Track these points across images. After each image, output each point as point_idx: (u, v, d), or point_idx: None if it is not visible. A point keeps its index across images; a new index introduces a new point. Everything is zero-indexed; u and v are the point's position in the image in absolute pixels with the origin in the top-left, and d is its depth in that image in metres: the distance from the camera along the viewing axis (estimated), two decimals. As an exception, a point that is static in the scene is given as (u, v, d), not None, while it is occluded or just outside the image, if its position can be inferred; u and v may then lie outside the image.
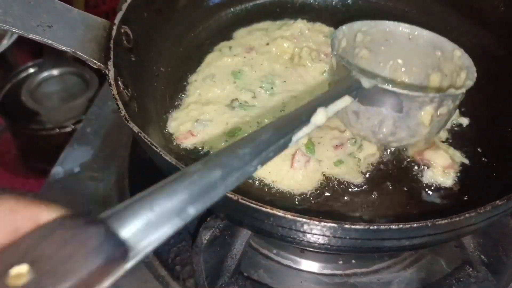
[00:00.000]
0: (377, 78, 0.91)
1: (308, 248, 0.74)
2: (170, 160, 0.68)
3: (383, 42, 0.91)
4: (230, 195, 0.64)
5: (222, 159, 0.45)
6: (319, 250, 0.75)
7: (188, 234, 0.94)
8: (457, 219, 0.63)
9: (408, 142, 0.82)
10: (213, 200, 0.42)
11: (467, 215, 0.64)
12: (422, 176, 0.87)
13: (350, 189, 0.85)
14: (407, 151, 0.89)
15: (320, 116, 0.60)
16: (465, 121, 0.97)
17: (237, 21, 1.16)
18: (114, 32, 0.84)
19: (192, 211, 0.39)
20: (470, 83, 0.79)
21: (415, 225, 0.62)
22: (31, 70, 1.82)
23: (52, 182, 1.06)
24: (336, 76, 0.84)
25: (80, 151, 1.12)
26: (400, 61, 0.92)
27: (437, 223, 0.62)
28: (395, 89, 0.74)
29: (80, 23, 0.83)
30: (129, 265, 0.35)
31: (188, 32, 1.11)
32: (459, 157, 0.90)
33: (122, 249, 0.34)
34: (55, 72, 1.82)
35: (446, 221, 0.63)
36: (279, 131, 0.54)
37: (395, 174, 0.88)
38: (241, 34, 1.11)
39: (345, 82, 0.72)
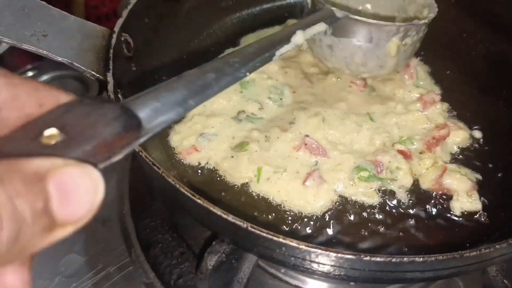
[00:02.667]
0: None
1: (323, 277, 0.69)
2: (173, 183, 0.62)
3: None
4: (239, 223, 0.58)
5: (215, 65, 0.53)
6: (335, 279, 0.70)
7: (192, 254, 0.89)
8: (487, 250, 0.58)
9: (378, 73, 0.88)
10: (209, 96, 0.50)
11: (497, 246, 0.58)
12: (450, 206, 0.81)
13: (365, 211, 0.80)
14: (424, 184, 0.83)
15: (299, 37, 0.69)
16: (478, 134, 0.92)
17: (244, 27, 1.11)
18: (114, 41, 0.79)
19: (192, 103, 0.46)
20: (431, 15, 0.86)
21: (441, 257, 0.57)
22: (30, 74, 1.77)
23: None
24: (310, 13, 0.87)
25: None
26: (368, 5, 0.97)
27: (465, 255, 0.57)
28: (365, 19, 0.80)
29: (77, 32, 0.78)
30: (143, 139, 0.40)
31: (191, 38, 1.06)
32: (474, 175, 0.85)
33: (136, 121, 0.39)
34: (54, 75, 1.77)
35: (475, 253, 0.57)
36: (264, 47, 0.62)
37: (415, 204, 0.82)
38: (248, 40, 1.06)
39: (320, 12, 0.80)
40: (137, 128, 0.39)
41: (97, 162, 0.34)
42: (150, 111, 0.41)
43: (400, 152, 0.84)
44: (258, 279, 0.90)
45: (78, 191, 0.32)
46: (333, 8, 0.80)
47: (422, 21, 0.84)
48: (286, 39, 0.67)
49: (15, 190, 0.29)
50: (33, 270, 0.89)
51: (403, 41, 0.82)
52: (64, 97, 0.38)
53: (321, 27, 0.76)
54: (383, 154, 0.83)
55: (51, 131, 0.34)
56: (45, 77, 1.75)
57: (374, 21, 0.81)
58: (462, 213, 0.80)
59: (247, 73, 0.56)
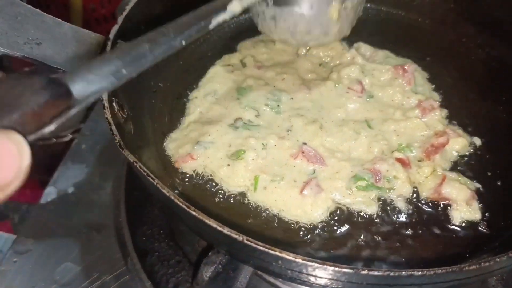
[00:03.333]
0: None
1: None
2: (168, 195, 0.61)
3: None
4: (235, 236, 0.57)
5: (149, 36, 0.54)
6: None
7: (188, 263, 0.88)
8: (487, 264, 0.57)
9: (324, 40, 0.85)
10: (144, 66, 0.52)
11: (497, 259, 0.57)
12: (449, 216, 0.80)
13: (363, 220, 0.79)
14: (423, 193, 0.82)
15: (235, 4, 0.66)
16: (478, 141, 0.90)
17: (241, 32, 1.10)
18: (108, 48, 0.78)
19: (125, 72, 0.49)
20: None
21: (439, 271, 0.56)
22: (27, 77, 1.76)
23: (44, 203, 1.00)
24: None
25: (74, 170, 1.05)
26: None
27: (464, 269, 0.56)
28: None
29: (72, 39, 0.77)
30: (75, 108, 0.41)
31: (188, 43, 1.04)
32: (473, 184, 0.84)
33: (65, 90, 0.40)
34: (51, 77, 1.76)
35: (474, 266, 0.56)
36: (199, 16, 0.61)
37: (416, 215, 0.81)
38: (245, 46, 1.05)
39: None
40: (66, 96, 0.40)
41: (26, 132, 0.36)
42: (81, 82, 0.43)
43: (399, 160, 0.83)
44: (256, 287, 0.89)
45: (2, 158, 0.33)
46: None
47: None
48: (222, 7, 0.66)
49: None
50: (28, 279, 0.88)
51: (343, 4, 0.81)
52: None
53: None
54: (381, 162, 0.82)
55: None
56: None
57: None
58: (462, 222, 0.79)
59: (183, 42, 0.58)
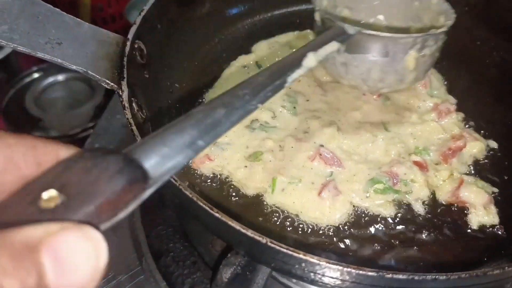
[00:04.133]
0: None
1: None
2: (191, 196, 0.61)
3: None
4: (258, 238, 0.57)
5: (224, 99, 0.50)
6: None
7: (203, 264, 0.88)
8: (511, 268, 0.57)
9: (398, 87, 0.83)
10: (219, 134, 0.47)
11: (521, 264, 0.57)
12: (466, 220, 0.80)
13: (380, 224, 0.79)
14: (440, 197, 0.82)
15: (310, 59, 0.64)
16: (493, 145, 0.90)
17: (256, 33, 1.10)
18: (127, 49, 0.78)
19: (202, 143, 0.43)
20: (449, 22, 0.81)
21: (463, 275, 0.56)
22: (36, 75, 1.76)
23: (58, 202, 1.00)
24: (321, 30, 0.83)
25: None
26: (381, 17, 0.92)
27: (488, 273, 0.56)
28: (379, 33, 0.76)
29: (91, 39, 0.77)
30: (151, 190, 0.36)
31: (203, 44, 1.05)
32: (490, 188, 0.84)
33: (142, 172, 0.36)
34: (60, 77, 1.76)
35: (498, 271, 0.57)
36: (274, 74, 0.58)
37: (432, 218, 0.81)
38: (260, 47, 1.05)
39: (331, 31, 0.75)
40: (143, 179, 0.36)
41: (101, 222, 0.32)
42: (157, 158, 0.38)
43: (416, 163, 0.83)
44: (270, 288, 0.89)
45: (76, 258, 0.29)
46: (344, 24, 0.75)
47: (440, 30, 0.80)
48: (297, 64, 0.63)
49: (2, 268, 0.26)
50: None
51: (421, 52, 0.78)
52: (63, 152, 0.36)
53: (333, 46, 0.71)
54: (399, 165, 0.82)
55: (50, 193, 0.32)
56: (51, 79, 1.75)
57: (389, 35, 0.77)
58: (479, 226, 0.79)
59: (259, 105, 0.53)
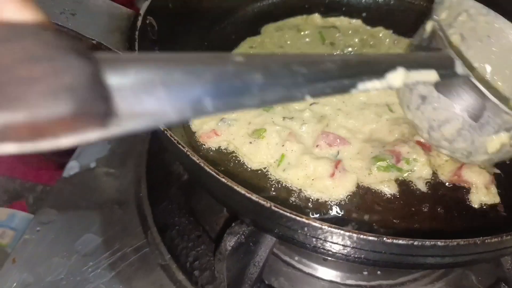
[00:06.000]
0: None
1: (341, 260, 0.69)
2: (198, 161, 0.63)
3: (484, 37, 0.77)
4: (262, 202, 0.59)
5: (271, 64, 0.35)
6: (353, 263, 0.70)
7: (208, 238, 0.90)
8: (509, 237, 0.58)
9: (459, 157, 0.71)
10: (237, 106, 0.32)
11: (518, 233, 0.59)
12: (468, 199, 0.81)
13: (383, 200, 0.80)
14: (442, 176, 0.83)
15: (398, 76, 0.48)
16: None
17: (265, 16, 1.11)
18: (139, 23, 0.80)
19: (209, 105, 0.30)
20: None
21: (462, 242, 0.57)
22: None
23: (67, 176, 1.03)
24: (423, 43, 0.70)
25: (97, 146, 1.08)
26: (488, 67, 0.78)
27: (486, 241, 0.58)
28: (487, 92, 0.61)
29: (104, 12, 0.79)
30: (108, 132, 0.26)
31: (213, 25, 1.07)
32: (492, 169, 0.84)
33: (104, 102, 0.25)
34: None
35: (496, 239, 0.58)
36: (348, 68, 0.43)
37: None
38: (269, 29, 1.06)
39: (437, 56, 0.61)
40: (102, 112, 0.25)
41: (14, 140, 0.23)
42: (138, 88, 0.27)
43: (419, 143, 0.84)
44: (272, 266, 0.90)
45: None
46: (456, 57, 0.60)
47: None
48: (381, 72, 0.47)
49: None
50: (50, 248, 0.90)
51: None
52: (16, 13, 0.25)
53: (431, 76, 0.54)
54: (402, 145, 0.83)
55: None
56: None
57: (496, 101, 0.61)
58: (480, 205, 0.80)
59: (308, 96, 0.38)
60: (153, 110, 0.27)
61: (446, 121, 0.67)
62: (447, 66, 0.59)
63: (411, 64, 0.51)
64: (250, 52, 1.01)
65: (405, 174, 0.82)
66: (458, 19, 0.77)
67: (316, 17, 1.08)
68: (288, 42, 1.05)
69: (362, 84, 0.44)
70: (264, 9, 1.14)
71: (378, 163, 0.82)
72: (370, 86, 0.45)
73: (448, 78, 0.61)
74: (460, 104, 0.64)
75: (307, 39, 1.05)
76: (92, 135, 0.25)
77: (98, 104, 0.25)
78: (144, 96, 0.27)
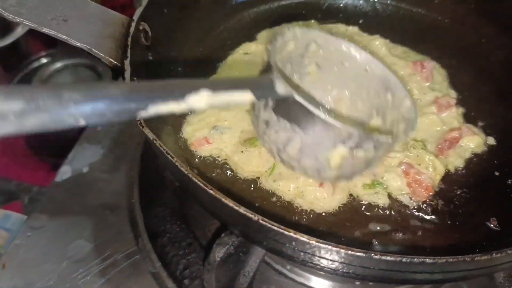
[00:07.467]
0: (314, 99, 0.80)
1: (331, 274, 0.69)
2: (186, 173, 0.62)
3: (338, 63, 0.79)
4: (250, 215, 0.58)
5: (34, 92, 0.39)
6: (342, 277, 0.70)
7: (199, 246, 0.89)
8: (498, 255, 0.57)
9: (311, 176, 0.72)
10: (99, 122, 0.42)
11: (508, 251, 0.58)
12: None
13: (373, 211, 0.79)
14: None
15: (200, 99, 0.50)
16: (491, 141, 0.90)
17: (261, 22, 1.10)
18: (132, 29, 0.79)
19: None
20: (402, 136, 0.71)
21: (451, 259, 0.56)
22: (44, 60, 1.78)
23: (59, 181, 1.02)
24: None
25: (90, 151, 1.07)
26: (347, 91, 0.81)
27: (476, 258, 0.57)
28: (312, 107, 0.62)
29: (97, 18, 0.78)
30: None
31: (209, 31, 1.06)
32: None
33: None
34: (67, 63, 1.78)
35: (485, 257, 0.57)
36: (134, 93, 0.46)
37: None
38: (264, 35, 1.05)
39: (257, 79, 0.65)
40: None
41: None
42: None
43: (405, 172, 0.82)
44: (263, 274, 0.90)
45: None
46: (275, 78, 0.62)
47: (383, 139, 0.67)
48: (179, 95, 0.48)
49: None
50: (40, 254, 0.89)
51: (354, 151, 0.65)
52: None
53: (243, 96, 0.56)
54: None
55: None
56: (58, 65, 1.77)
57: (322, 115, 0.62)
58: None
59: (80, 120, 0.42)
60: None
61: (288, 141, 0.68)
62: (265, 87, 0.61)
63: (220, 86, 0.53)
64: (245, 59, 1.00)
65: (390, 189, 0.81)
66: (309, 49, 0.78)
67: (313, 23, 1.07)
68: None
69: (153, 107, 0.46)
70: (260, 15, 1.13)
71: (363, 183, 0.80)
72: (165, 109, 0.47)
73: (267, 97, 0.65)
74: (296, 123, 0.65)
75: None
76: None
77: None
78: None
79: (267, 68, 0.66)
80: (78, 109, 0.41)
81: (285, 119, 0.66)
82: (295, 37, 0.76)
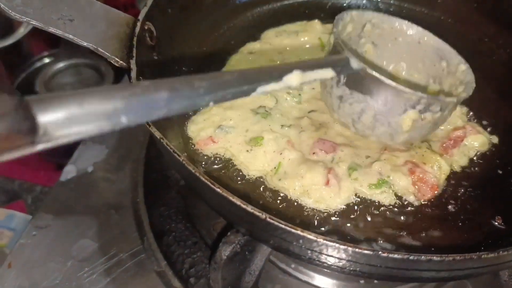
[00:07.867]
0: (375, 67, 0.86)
1: (337, 272, 0.69)
2: (193, 171, 0.63)
3: (392, 40, 0.88)
4: (258, 213, 0.59)
5: (174, 83, 0.45)
6: (349, 275, 0.70)
7: (204, 244, 0.90)
8: (505, 253, 0.58)
9: (386, 141, 0.80)
10: (151, 117, 0.42)
11: (515, 249, 0.58)
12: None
13: (379, 210, 0.79)
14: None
15: (294, 77, 0.59)
16: (495, 140, 0.91)
17: (264, 22, 1.11)
18: (137, 29, 0.80)
19: (125, 120, 0.38)
20: (464, 95, 0.77)
21: (458, 257, 0.57)
22: (46, 60, 1.78)
23: (64, 180, 1.02)
24: (330, 53, 0.80)
25: (94, 150, 1.07)
26: (403, 64, 0.89)
27: (482, 256, 0.57)
28: (383, 78, 0.70)
29: (103, 18, 0.78)
30: (40, 146, 0.34)
31: (212, 31, 1.06)
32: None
33: (29, 124, 0.33)
34: (70, 63, 1.78)
35: (492, 255, 0.57)
36: (245, 78, 0.54)
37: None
38: (268, 35, 1.06)
39: (334, 57, 0.71)
40: (29, 132, 0.33)
41: None
42: (61, 116, 0.34)
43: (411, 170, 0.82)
44: (268, 273, 0.90)
45: None
46: (350, 56, 0.70)
47: (449, 99, 0.74)
48: (277, 76, 0.57)
49: None
50: (46, 253, 0.90)
51: (422, 115, 0.72)
52: None
53: (326, 73, 0.65)
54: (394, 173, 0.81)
55: None
56: (61, 64, 1.77)
57: (393, 83, 0.70)
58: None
59: (211, 103, 0.49)
60: (77, 129, 0.36)
61: (362, 112, 0.76)
62: (342, 63, 0.69)
63: (306, 66, 0.62)
64: (249, 58, 1.00)
65: (396, 188, 0.81)
66: (365, 29, 0.87)
67: (316, 23, 1.07)
68: (288, 48, 1.04)
69: (261, 88, 0.55)
70: (264, 15, 1.13)
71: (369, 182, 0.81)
72: (269, 88, 0.56)
73: (347, 73, 0.71)
74: (369, 94, 0.73)
75: (306, 45, 1.05)
76: (25, 148, 0.33)
77: (24, 125, 0.32)
78: (69, 120, 0.35)
79: (334, 50, 0.76)
80: (208, 95, 0.48)
81: (358, 92, 0.74)
82: (352, 20, 0.85)
